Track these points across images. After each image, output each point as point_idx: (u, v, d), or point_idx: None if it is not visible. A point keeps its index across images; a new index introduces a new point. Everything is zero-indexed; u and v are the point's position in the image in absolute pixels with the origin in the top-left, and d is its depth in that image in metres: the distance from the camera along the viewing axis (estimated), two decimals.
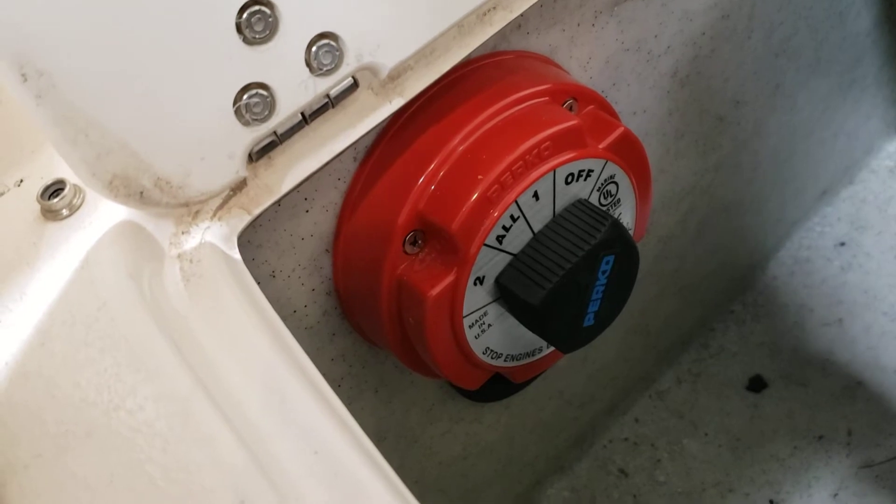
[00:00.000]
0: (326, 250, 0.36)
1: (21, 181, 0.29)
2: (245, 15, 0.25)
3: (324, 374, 0.40)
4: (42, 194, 0.28)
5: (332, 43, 0.27)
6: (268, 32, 0.25)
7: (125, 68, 0.23)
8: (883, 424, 0.64)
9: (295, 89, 0.27)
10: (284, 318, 0.36)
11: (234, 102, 0.26)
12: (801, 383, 0.68)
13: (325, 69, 0.27)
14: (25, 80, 0.22)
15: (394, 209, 0.34)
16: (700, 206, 0.57)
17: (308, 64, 0.27)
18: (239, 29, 0.25)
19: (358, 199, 0.35)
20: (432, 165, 0.34)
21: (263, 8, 0.25)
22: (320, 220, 0.35)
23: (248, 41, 0.25)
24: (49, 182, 0.28)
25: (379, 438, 0.45)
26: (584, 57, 0.40)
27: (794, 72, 0.55)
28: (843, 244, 0.73)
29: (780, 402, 0.67)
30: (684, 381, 0.70)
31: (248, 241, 0.33)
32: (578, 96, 0.37)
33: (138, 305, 0.24)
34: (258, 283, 0.33)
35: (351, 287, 0.37)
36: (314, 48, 0.26)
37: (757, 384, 0.69)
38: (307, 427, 0.23)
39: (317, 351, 0.39)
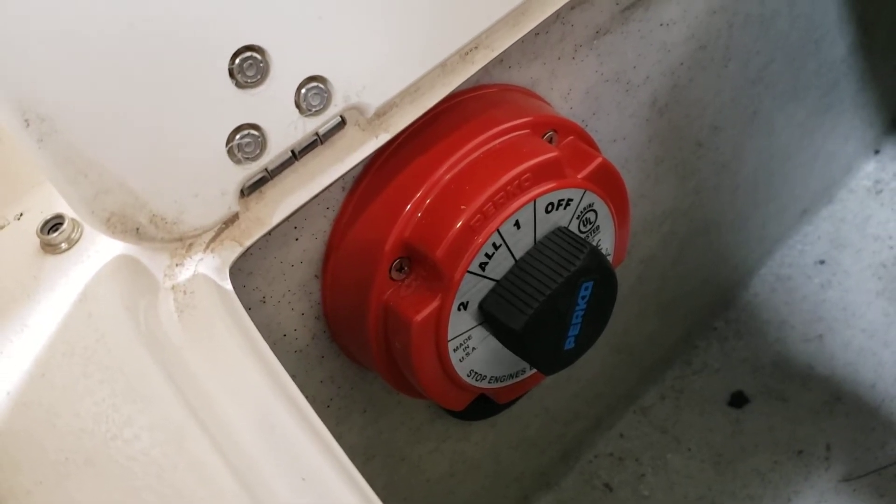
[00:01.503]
0: (315, 276, 0.37)
1: (21, 215, 0.30)
2: (237, 61, 0.26)
3: (313, 396, 0.41)
4: (42, 229, 0.29)
5: (321, 85, 0.28)
6: (259, 77, 0.26)
7: (124, 112, 0.24)
8: (861, 439, 0.66)
9: (285, 129, 0.28)
10: (274, 343, 0.37)
11: (227, 143, 0.27)
12: (781, 399, 0.69)
13: (313, 110, 0.28)
14: (28, 125, 0.23)
15: (381, 237, 0.35)
16: (681, 227, 0.59)
17: (297, 105, 0.28)
18: (231, 74, 0.26)
19: (346, 226, 0.36)
20: (418, 195, 0.35)
21: (255, 54, 0.26)
22: (309, 247, 0.36)
23: (241, 85, 0.26)
24: (48, 217, 0.29)
25: (367, 458, 0.46)
26: (564, 88, 0.42)
27: (771, 98, 0.57)
28: (822, 262, 0.75)
29: (761, 418, 0.69)
30: (668, 397, 0.71)
31: (240, 268, 0.34)
32: (558, 128, 0.38)
33: (134, 338, 0.25)
34: (249, 309, 0.34)
35: (339, 311, 0.38)
36: (303, 90, 0.28)
37: (738, 400, 0.70)
38: (295, 454, 0.24)
39: (306, 373, 0.40)
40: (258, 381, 0.26)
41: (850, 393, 0.68)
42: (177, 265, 0.29)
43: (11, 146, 0.32)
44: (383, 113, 0.31)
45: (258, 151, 0.28)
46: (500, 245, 0.35)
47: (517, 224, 0.36)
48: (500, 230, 0.35)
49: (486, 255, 0.35)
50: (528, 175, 0.35)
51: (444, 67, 0.32)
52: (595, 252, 0.36)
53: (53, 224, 0.29)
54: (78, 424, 0.24)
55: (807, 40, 0.57)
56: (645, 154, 0.50)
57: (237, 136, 0.27)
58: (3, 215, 0.30)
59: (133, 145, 0.25)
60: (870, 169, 0.79)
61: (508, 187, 0.35)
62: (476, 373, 0.39)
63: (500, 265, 0.36)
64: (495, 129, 0.36)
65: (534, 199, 0.35)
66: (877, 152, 0.80)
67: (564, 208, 0.37)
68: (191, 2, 0.24)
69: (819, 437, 0.67)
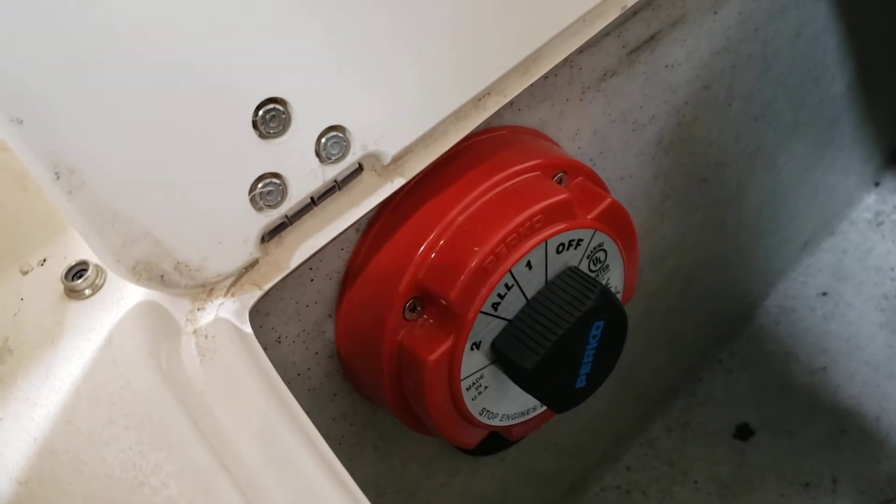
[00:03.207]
0: (329, 315, 0.38)
1: (44, 260, 0.31)
2: (261, 113, 0.27)
3: (326, 433, 0.41)
4: (66, 275, 0.29)
5: (340, 135, 0.29)
6: (281, 128, 0.27)
7: (152, 165, 0.25)
8: (866, 472, 0.66)
9: (306, 178, 0.28)
10: (289, 381, 0.38)
11: (250, 192, 0.27)
12: (786, 431, 0.69)
13: (333, 158, 0.29)
14: (58, 177, 0.24)
15: (394, 277, 0.35)
16: (686, 262, 0.59)
17: (318, 154, 0.29)
18: (255, 125, 0.27)
19: (360, 267, 0.37)
20: (431, 237, 0.35)
21: (277, 106, 0.27)
22: (324, 287, 0.36)
23: (263, 136, 0.27)
24: (72, 263, 0.30)
25: (378, 493, 0.46)
26: (572, 129, 0.42)
27: (773, 134, 0.58)
28: (825, 294, 0.75)
29: (767, 450, 0.69)
30: (674, 429, 0.71)
31: (257, 309, 0.34)
32: (568, 169, 0.39)
33: (159, 383, 0.26)
34: (265, 349, 0.35)
35: (352, 350, 0.39)
36: (323, 140, 0.28)
37: (744, 432, 0.70)
38: (317, 498, 0.24)
39: (319, 411, 0.40)
40: (279, 425, 0.26)
41: (855, 425, 0.68)
42: (198, 310, 0.29)
43: (35, 192, 0.33)
44: (399, 158, 0.32)
45: (279, 199, 0.28)
46: (513, 285, 0.36)
47: (529, 264, 0.36)
48: (513, 271, 0.36)
49: (499, 295, 0.36)
50: (539, 217, 0.36)
51: (457, 114, 0.33)
52: (606, 292, 0.37)
53: (78, 270, 0.29)
54: (105, 471, 0.24)
55: (807, 78, 0.58)
56: (651, 191, 0.50)
57: (260, 185, 0.28)
58: (28, 261, 0.31)
59: (160, 196, 0.26)
60: (870, 201, 0.80)
61: (520, 229, 0.35)
62: (488, 411, 0.39)
63: (513, 305, 0.37)
64: (507, 172, 0.37)
65: (545, 240, 0.36)
66: (877, 185, 0.81)
67: (575, 248, 0.38)
68: (217, 57, 0.25)
69: (825, 470, 0.67)
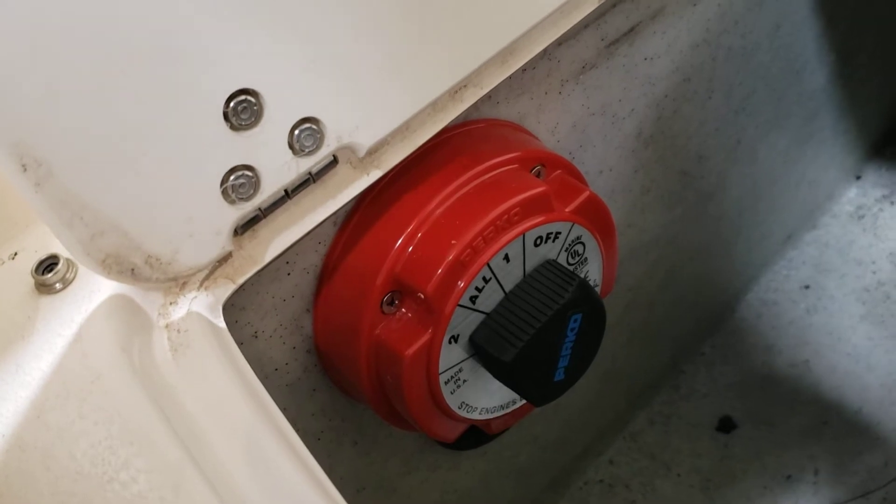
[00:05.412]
0: (307, 310, 0.37)
1: (15, 254, 0.30)
2: (232, 104, 0.26)
3: (304, 429, 0.41)
4: (36, 269, 0.29)
5: (314, 126, 0.28)
6: (253, 119, 0.27)
7: (120, 156, 0.25)
8: (848, 463, 0.66)
9: (279, 170, 0.28)
10: (266, 376, 0.38)
11: (222, 184, 0.27)
12: (769, 423, 0.70)
13: (307, 150, 0.29)
14: (25, 169, 0.24)
15: (372, 271, 0.35)
16: (667, 255, 0.59)
17: (291, 146, 0.28)
18: (226, 117, 0.26)
19: (337, 261, 0.36)
20: (408, 230, 0.35)
21: (249, 97, 0.26)
22: (301, 281, 0.36)
23: (235, 127, 0.27)
24: (43, 257, 0.29)
25: (358, 489, 0.46)
26: (551, 122, 0.42)
27: (754, 127, 0.58)
28: (807, 287, 0.76)
29: (749, 443, 0.69)
30: (656, 422, 0.71)
31: (232, 303, 0.34)
32: (546, 162, 0.39)
33: (130, 378, 0.25)
34: (241, 344, 0.34)
35: (330, 345, 0.38)
36: (296, 132, 0.28)
37: (726, 425, 0.70)
38: (290, 494, 0.24)
39: (297, 407, 0.40)
40: (252, 420, 0.26)
41: (836, 417, 0.68)
42: (171, 304, 0.29)
43: (5, 186, 0.32)
44: (375, 151, 0.32)
45: (252, 192, 0.28)
46: (490, 278, 0.36)
47: (507, 258, 0.36)
48: (490, 264, 0.35)
49: (477, 288, 0.36)
50: (517, 210, 0.36)
51: (434, 106, 0.33)
52: (583, 285, 0.37)
53: (48, 264, 0.29)
54: (74, 467, 0.24)
55: (788, 71, 0.58)
56: (631, 184, 0.50)
57: (231, 178, 0.27)
58: None
59: (128, 188, 0.25)
60: (852, 195, 0.80)
61: (498, 222, 0.35)
62: (467, 405, 0.39)
63: (490, 298, 0.36)
64: (484, 165, 0.36)
65: (523, 234, 0.36)
66: (858, 178, 0.81)
67: (553, 241, 0.38)
68: (187, 47, 0.24)
69: (807, 462, 0.67)
